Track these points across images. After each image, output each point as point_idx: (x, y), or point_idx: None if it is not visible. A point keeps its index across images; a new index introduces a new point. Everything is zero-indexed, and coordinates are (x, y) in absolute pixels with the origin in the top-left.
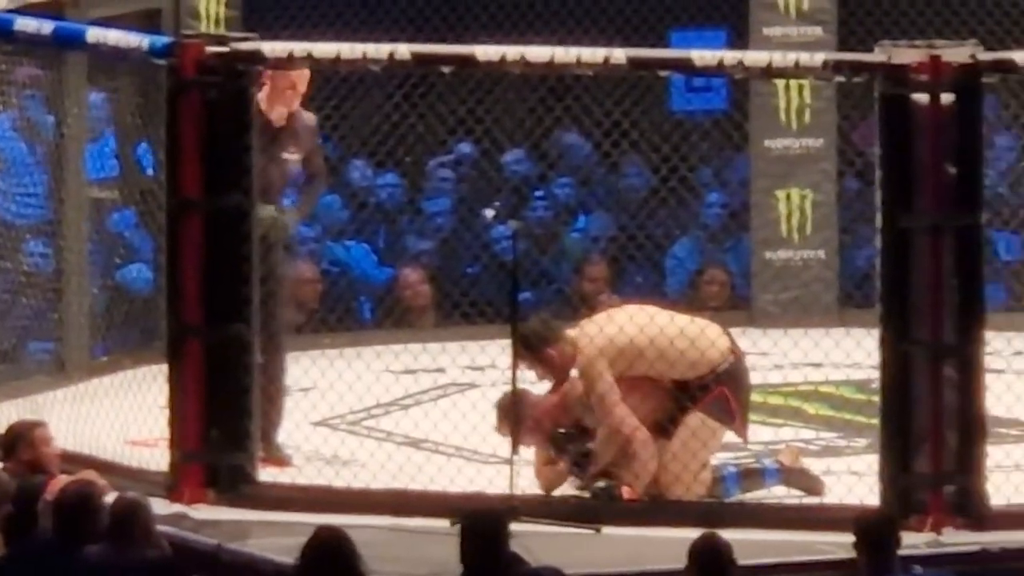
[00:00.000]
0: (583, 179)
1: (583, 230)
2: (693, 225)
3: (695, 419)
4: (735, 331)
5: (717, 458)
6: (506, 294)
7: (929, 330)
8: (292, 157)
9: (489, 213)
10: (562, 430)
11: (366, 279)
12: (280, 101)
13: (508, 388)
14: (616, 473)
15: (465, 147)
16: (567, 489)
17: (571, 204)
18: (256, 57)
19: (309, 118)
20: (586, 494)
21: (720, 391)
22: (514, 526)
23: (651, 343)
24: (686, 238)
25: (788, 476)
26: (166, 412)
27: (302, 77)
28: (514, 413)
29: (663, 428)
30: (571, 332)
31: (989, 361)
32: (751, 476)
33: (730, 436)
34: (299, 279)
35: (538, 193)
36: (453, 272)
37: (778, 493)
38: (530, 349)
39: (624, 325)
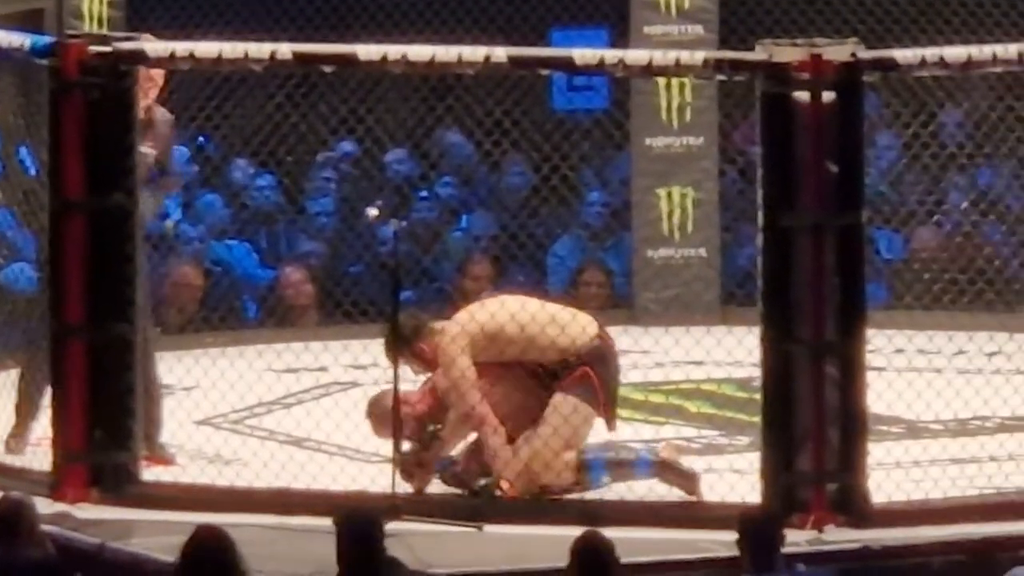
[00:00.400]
0: (465, 178)
1: (465, 229)
2: (574, 223)
3: (561, 402)
4: (616, 329)
5: (589, 446)
6: (388, 293)
7: (811, 328)
8: (148, 151)
9: (372, 212)
10: (433, 427)
11: (249, 279)
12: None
13: (379, 390)
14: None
15: (347, 145)
16: (439, 487)
17: (454, 204)
18: (139, 57)
19: (165, 114)
20: (457, 490)
21: (583, 370)
22: (397, 525)
23: (521, 329)
24: (567, 236)
25: (661, 470)
26: (49, 412)
27: (159, 70)
28: (396, 411)
29: (533, 414)
30: (441, 324)
31: (870, 359)
32: (622, 465)
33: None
34: (180, 280)
35: (422, 193)
36: (335, 271)
37: (660, 491)
38: (401, 344)
39: (495, 312)
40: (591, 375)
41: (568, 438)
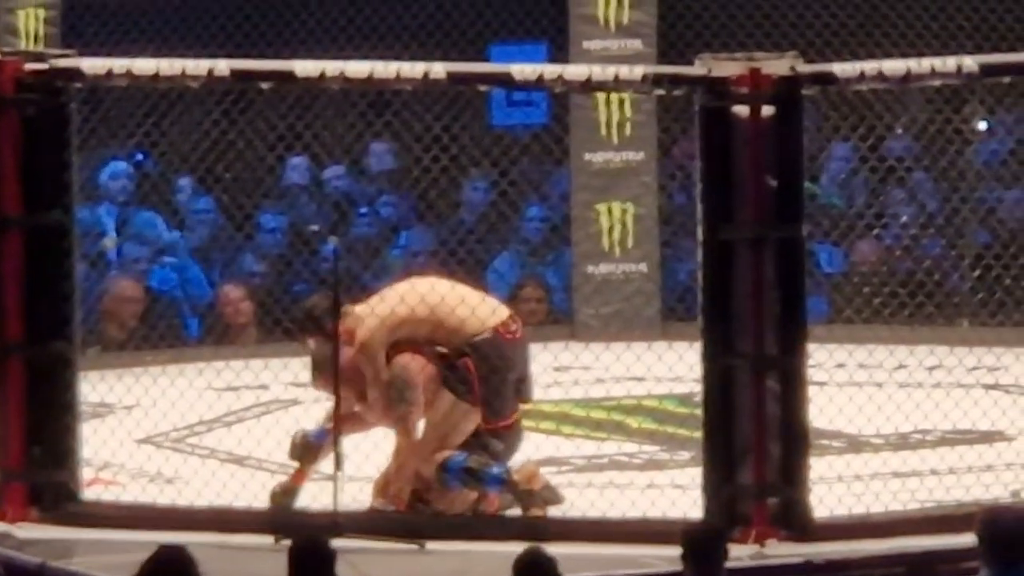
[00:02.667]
0: (393, 187)
1: (404, 246)
2: (514, 239)
3: (440, 399)
4: (557, 345)
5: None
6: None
7: (751, 342)
8: None
9: (313, 228)
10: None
11: (195, 296)
12: None
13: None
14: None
15: (297, 161)
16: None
17: (393, 221)
18: (75, 74)
19: None
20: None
21: (463, 362)
22: (338, 543)
23: (430, 311)
24: (507, 252)
25: (511, 490)
26: None
27: None
28: (337, 427)
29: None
30: (357, 308)
31: (811, 373)
32: (474, 475)
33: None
34: (120, 293)
35: (361, 210)
36: (275, 289)
37: (601, 507)
38: (318, 326)
39: (405, 294)
40: (470, 369)
41: (445, 436)
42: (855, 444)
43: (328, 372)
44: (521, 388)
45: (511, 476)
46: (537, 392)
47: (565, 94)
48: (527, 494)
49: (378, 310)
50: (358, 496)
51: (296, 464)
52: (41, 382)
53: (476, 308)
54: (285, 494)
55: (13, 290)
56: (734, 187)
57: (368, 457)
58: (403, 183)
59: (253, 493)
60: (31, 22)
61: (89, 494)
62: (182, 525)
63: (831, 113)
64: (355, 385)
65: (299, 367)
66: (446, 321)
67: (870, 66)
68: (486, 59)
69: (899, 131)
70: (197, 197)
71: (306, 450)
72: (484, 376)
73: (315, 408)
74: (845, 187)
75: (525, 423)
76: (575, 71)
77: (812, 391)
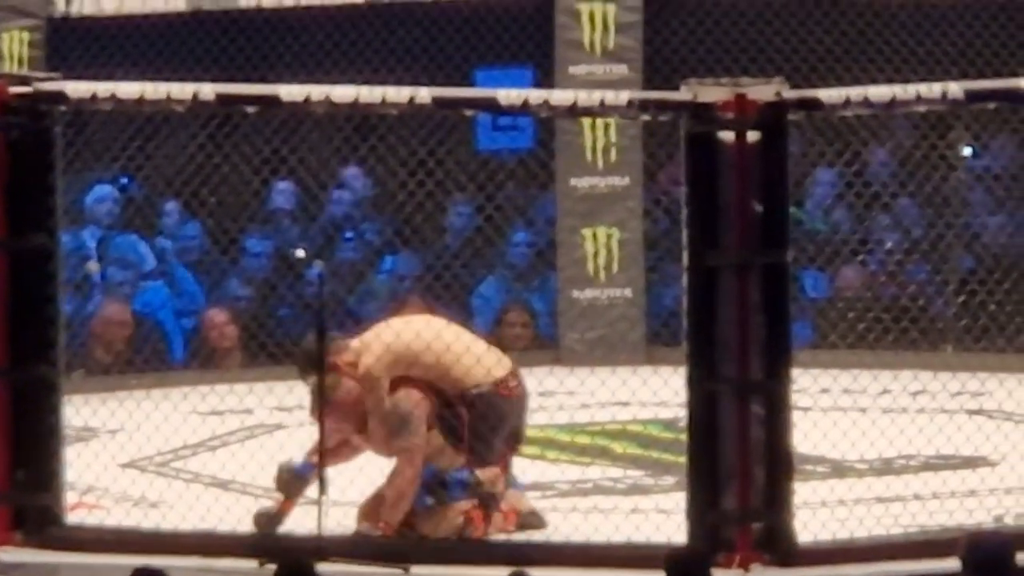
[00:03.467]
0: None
1: (390, 270)
2: (499, 264)
3: (435, 438)
4: (542, 370)
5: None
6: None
7: (736, 367)
8: None
9: (299, 253)
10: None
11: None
12: None
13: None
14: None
15: (283, 185)
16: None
17: (378, 246)
18: (59, 97)
19: None
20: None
21: (458, 410)
22: (323, 567)
23: (427, 348)
24: (492, 277)
25: (475, 492)
26: None
27: None
28: (322, 452)
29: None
30: (353, 343)
31: (796, 398)
32: (441, 485)
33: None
34: (110, 317)
35: (347, 234)
36: (260, 313)
37: (585, 531)
38: (314, 363)
39: (401, 332)
40: (462, 418)
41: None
42: (839, 469)
43: (331, 406)
44: (512, 439)
45: (476, 478)
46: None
47: (551, 119)
48: (490, 496)
49: (384, 338)
50: (343, 520)
51: (282, 496)
52: (25, 406)
53: (479, 359)
54: (271, 523)
55: None
56: (719, 212)
57: (352, 482)
58: (384, 208)
59: (237, 517)
60: (15, 45)
61: (73, 518)
62: (166, 549)
63: (817, 138)
64: (354, 417)
65: (283, 392)
66: (448, 367)
67: (856, 92)
68: (472, 84)
69: (884, 156)
70: (184, 222)
71: (292, 483)
72: (474, 427)
73: (300, 433)
74: (830, 213)
75: None
76: (561, 96)
77: (796, 416)
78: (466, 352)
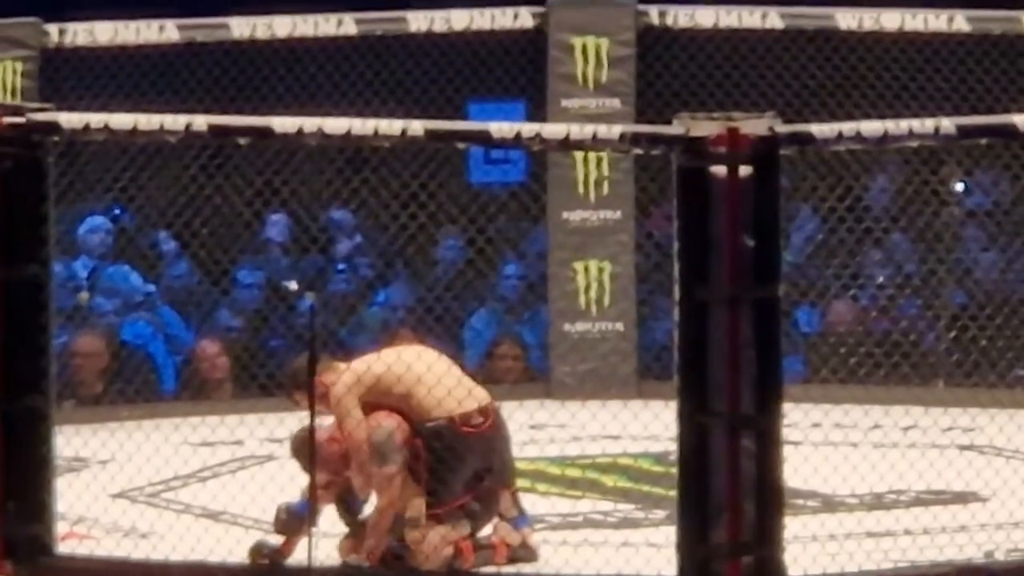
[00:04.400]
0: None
1: (383, 303)
2: (491, 296)
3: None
4: (533, 403)
5: None
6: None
7: (727, 402)
8: None
9: (292, 285)
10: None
11: (177, 344)
12: None
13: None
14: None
15: (276, 217)
16: None
17: (371, 280)
18: (53, 128)
19: None
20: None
21: (416, 442)
22: None
23: (398, 380)
24: (484, 309)
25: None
26: None
27: None
28: (312, 447)
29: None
30: (341, 366)
31: (787, 433)
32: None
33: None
34: (79, 352)
35: (339, 266)
36: (251, 344)
37: (575, 564)
38: (299, 382)
39: (373, 363)
40: (420, 453)
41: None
42: (830, 504)
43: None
44: (488, 477)
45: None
46: (513, 450)
47: (543, 152)
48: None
49: (355, 367)
50: (332, 553)
51: (282, 538)
52: (17, 436)
53: (450, 391)
54: (272, 562)
55: None
56: (711, 247)
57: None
58: (376, 241)
59: (228, 548)
60: (8, 75)
61: (64, 548)
62: None
63: (808, 173)
64: (336, 457)
65: (274, 423)
66: (416, 398)
67: (848, 127)
68: (464, 117)
69: (876, 192)
70: (174, 259)
71: (291, 523)
72: (430, 462)
73: (290, 464)
74: (805, 249)
75: None
76: (553, 129)
77: (787, 450)
78: (436, 384)
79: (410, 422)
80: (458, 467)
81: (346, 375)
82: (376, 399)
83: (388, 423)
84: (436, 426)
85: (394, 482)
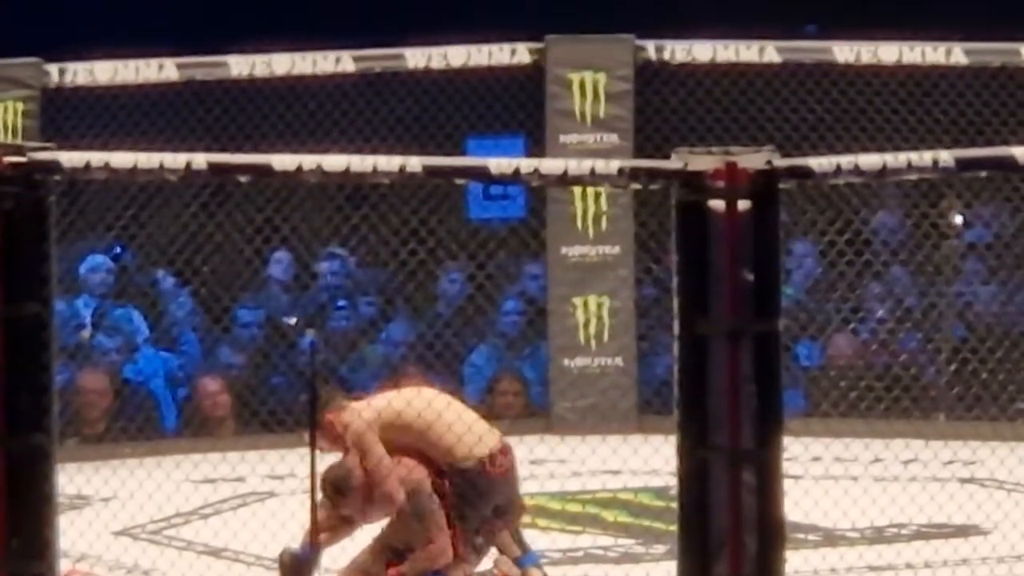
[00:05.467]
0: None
1: (384, 339)
2: (491, 332)
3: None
4: (533, 438)
5: None
6: (305, 402)
7: (727, 436)
8: None
9: (291, 321)
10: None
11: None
12: None
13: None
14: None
15: (280, 255)
16: None
17: (374, 318)
18: (54, 167)
19: None
20: None
21: (440, 482)
22: None
23: (418, 416)
24: (484, 345)
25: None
26: None
27: None
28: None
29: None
30: (350, 403)
31: (787, 467)
32: None
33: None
34: (84, 390)
35: (339, 303)
36: (253, 381)
37: None
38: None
39: (393, 399)
40: (443, 491)
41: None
42: (831, 538)
43: (354, 491)
44: (499, 512)
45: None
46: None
47: (542, 188)
48: None
49: (374, 403)
50: None
51: None
52: (19, 474)
53: (470, 431)
54: None
55: None
56: (710, 281)
57: (344, 550)
58: (376, 278)
59: None
60: (10, 115)
61: None
62: None
63: (808, 207)
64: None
65: (276, 460)
66: (438, 437)
67: (847, 160)
68: (463, 152)
69: (876, 225)
70: (179, 298)
71: (294, 567)
72: (455, 502)
73: (291, 501)
74: (805, 283)
75: None
76: (551, 165)
77: (788, 484)
78: (457, 421)
79: (429, 460)
80: (481, 506)
81: (366, 412)
82: (395, 436)
83: (408, 474)
84: (465, 467)
85: (433, 526)
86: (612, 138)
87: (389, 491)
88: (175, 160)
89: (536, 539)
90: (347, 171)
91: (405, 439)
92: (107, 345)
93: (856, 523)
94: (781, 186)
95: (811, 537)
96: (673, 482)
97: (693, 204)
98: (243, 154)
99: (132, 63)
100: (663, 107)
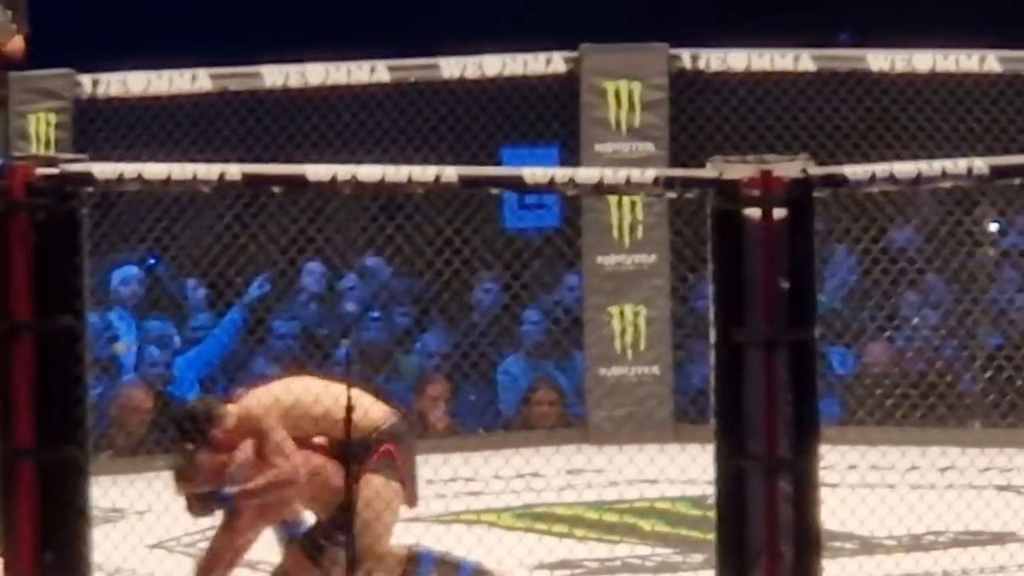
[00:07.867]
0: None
1: (419, 349)
2: (526, 342)
3: (370, 482)
4: (570, 448)
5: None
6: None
7: (764, 444)
8: None
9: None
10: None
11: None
12: None
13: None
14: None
15: (312, 266)
16: None
17: (409, 328)
18: (86, 179)
19: None
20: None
21: (385, 449)
22: None
23: (316, 401)
24: (519, 354)
25: None
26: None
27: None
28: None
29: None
30: (231, 407)
31: (824, 475)
32: (447, 565)
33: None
34: (126, 402)
35: (373, 314)
36: None
37: None
38: (195, 433)
39: (288, 386)
40: (393, 453)
41: (388, 521)
42: (867, 546)
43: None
44: None
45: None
46: (550, 495)
47: (577, 197)
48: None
49: (272, 389)
50: None
51: None
52: (52, 487)
53: (375, 402)
54: None
55: (24, 395)
56: (746, 289)
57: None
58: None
59: None
60: (42, 127)
61: None
62: None
63: (842, 215)
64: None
65: None
66: (336, 413)
67: (881, 168)
68: (498, 162)
69: (908, 232)
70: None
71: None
72: (406, 459)
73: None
74: (840, 291)
75: (538, 526)
76: (587, 174)
77: (824, 493)
78: (361, 396)
79: (333, 440)
80: (415, 450)
81: (264, 397)
82: (293, 422)
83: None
84: (392, 424)
85: (294, 457)
86: (647, 147)
87: (289, 469)
88: (209, 171)
89: (573, 549)
90: (382, 181)
91: (304, 424)
92: (154, 355)
93: (893, 531)
94: (816, 194)
95: (848, 545)
96: (710, 491)
97: (728, 213)
98: (277, 165)
99: (165, 74)
100: (698, 115)
